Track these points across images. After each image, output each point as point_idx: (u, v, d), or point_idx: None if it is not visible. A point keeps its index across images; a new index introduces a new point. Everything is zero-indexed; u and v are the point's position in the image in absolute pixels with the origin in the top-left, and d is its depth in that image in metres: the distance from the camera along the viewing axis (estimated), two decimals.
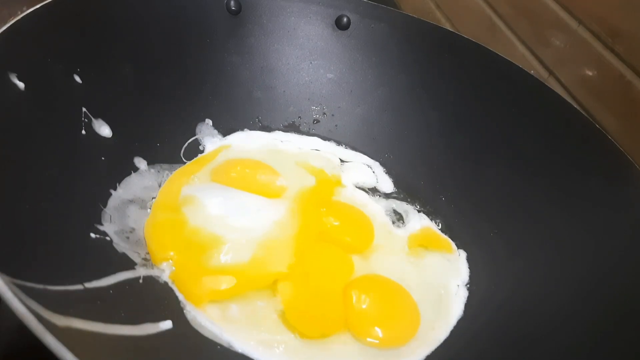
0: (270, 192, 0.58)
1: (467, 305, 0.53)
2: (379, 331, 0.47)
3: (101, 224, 0.46)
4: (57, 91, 0.46)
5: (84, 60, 0.49)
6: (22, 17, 0.43)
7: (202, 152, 0.63)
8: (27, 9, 0.44)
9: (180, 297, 0.46)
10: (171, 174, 0.58)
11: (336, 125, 0.70)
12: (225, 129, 0.65)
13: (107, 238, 0.45)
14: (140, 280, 0.45)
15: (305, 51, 0.69)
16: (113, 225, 0.47)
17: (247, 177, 0.58)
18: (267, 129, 0.68)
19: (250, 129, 0.67)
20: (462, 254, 0.58)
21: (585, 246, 0.49)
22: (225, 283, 0.47)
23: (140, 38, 0.57)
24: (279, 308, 0.47)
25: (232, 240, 0.50)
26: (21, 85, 0.41)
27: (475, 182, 0.61)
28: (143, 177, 0.54)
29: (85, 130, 0.48)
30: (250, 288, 0.48)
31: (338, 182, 0.64)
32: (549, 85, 0.60)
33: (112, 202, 0.49)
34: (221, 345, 0.44)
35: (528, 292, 0.50)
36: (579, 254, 0.49)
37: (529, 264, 0.52)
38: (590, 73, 0.63)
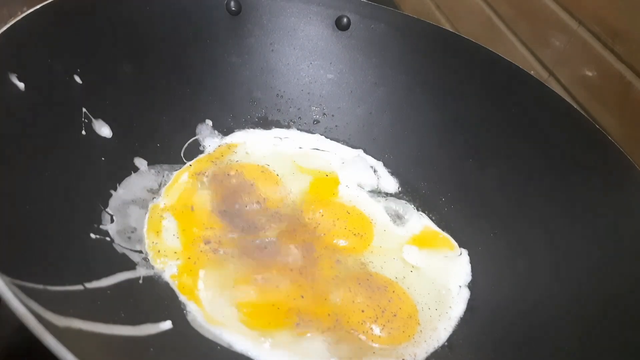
0: (271, 202, 0.58)
1: (469, 305, 0.53)
2: (374, 328, 0.47)
3: (101, 224, 0.46)
4: (57, 91, 0.46)
5: (84, 60, 0.49)
6: (22, 17, 0.43)
7: (202, 152, 0.63)
8: (27, 9, 0.44)
9: (181, 297, 0.46)
10: (171, 174, 0.58)
11: (336, 126, 0.70)
12: (225, 129, 0.65)
13: (107, 238, 0.45)
14: (140, 281, 0.45)
15: (305, 52, 0.69)
16: (113, 226, 0.47)
17: (246, 187, 0.59)
18: (267, 129, 0.68)
19: (250, 129, 0.67)
20: (464, 254, 0.58)
21: (586, 246, 0.49)
22: None
23: (140, 38, 0.57)
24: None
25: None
26: (21, 85, 0.41)
27: (475, 182, 0.61)
28: (143, 178, 0.54)
29: (85, 130, 0.48)
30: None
31: (338, 182, 0.64)
32: (549, 86, 0.60)
33: (112, 202, 0.49)
34: (221, 346, 0.44)
35: (529, 293, 0.50)
36: (579, 254, 0.49)
37: (530, 264, 0.52)
38: (590, 73, 0.63)
